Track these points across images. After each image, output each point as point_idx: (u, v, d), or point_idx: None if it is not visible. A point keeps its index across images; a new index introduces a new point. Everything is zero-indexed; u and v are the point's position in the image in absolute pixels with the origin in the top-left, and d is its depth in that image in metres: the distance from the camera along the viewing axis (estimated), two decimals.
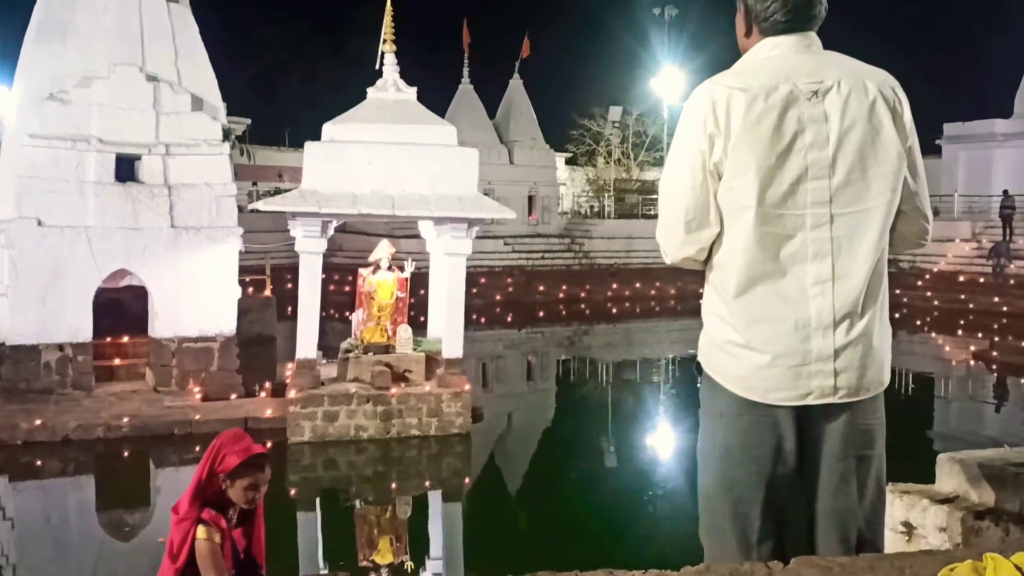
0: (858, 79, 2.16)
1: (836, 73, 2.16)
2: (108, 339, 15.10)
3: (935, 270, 29.17)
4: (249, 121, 34.97)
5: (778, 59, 2.21)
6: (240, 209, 16.17)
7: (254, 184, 33.60)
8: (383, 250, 14.52)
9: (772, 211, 2.13)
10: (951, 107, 40.07)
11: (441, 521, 11.63)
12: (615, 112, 42.60)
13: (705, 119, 2.14)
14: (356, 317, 14.56)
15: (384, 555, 9.83)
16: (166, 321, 14.84)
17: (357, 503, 11.83)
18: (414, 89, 14.57)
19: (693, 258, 2.29)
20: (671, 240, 2.29)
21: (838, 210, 2.13)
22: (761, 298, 2.17)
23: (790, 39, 2.23)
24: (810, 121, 2.12)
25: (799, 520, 2.27)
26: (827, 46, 2.30)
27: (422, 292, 16.06)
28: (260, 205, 13.90)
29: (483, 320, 25.52)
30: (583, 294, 30.80)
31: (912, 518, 3.34)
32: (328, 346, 15.03)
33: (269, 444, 12.75)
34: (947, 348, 24.26)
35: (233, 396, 14.29)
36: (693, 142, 2.18)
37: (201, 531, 3.56)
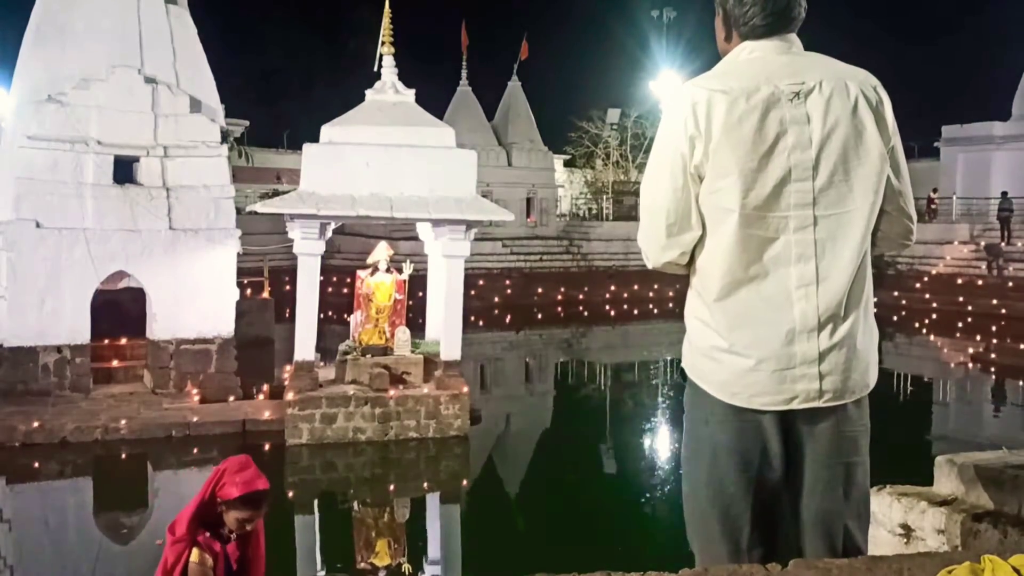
0: (840, 80, 2.15)
1: (818, 74, 2.14)
2: (106, 341, 15.09)
3: (933, 272, 29.17)
4: (248, 123, 34.99)
5: (759, 61, 2.19)
6: (238, 211, 16.17)
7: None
8: (381, 252, 14.51)
9: (755, 214, 2.10)
10: (949, 109, 40.15)
11: (439, 523, 11.62)
12: (613, 114, 42.57)
13: (685, 121, 2.12)
14: (354, 319, 14.55)
15: (382, 557, 9.83)
16: (164, 323, 14.83)
17: (355, 505, 11.82)
18: (412, 91, 14.58)
19: (675, 262, 2.27)
20: (652, 244, 2.27)
21: (821, 212, 2.11)
22: (744, 302, 2.15)
23: (770, 42, 2.22)
24: (792, 123, 2.10)
25: (787, 525, 2.26)
26: (822, 49, 2.29)
27: (420, 294, 16.06)
28: (258, 207, 13.91)
29: (481, 322, 25.51)
30: (581, 296, 30.79)
31: (910, 520, 3.33)
32: (326, 348, 15.02)
33: (267, 446, 12.78)
34: (945, 350, 24.26)
35: (231, 398, 14.28)
36: (673, 145, 2.15)
37: (195, 555, 3.62)
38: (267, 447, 12.95)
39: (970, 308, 26.59)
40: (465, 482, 13.01)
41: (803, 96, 2.12)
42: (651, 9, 40.89)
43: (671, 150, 2.17)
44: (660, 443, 15.05)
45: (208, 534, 3.64)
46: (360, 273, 14.69)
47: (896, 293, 27.54)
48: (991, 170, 34.40)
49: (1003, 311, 25.76)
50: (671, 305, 27.75)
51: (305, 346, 13.42)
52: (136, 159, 14.81)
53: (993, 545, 2.86)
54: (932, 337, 25.65)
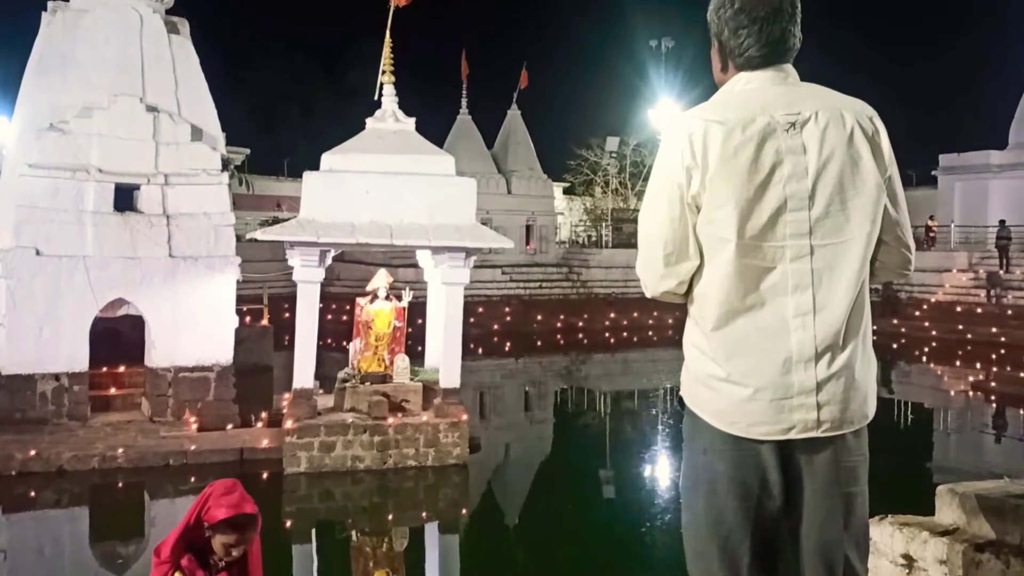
0: (835, 110, 2.16)
1: (813, 104, 2.16)
2: (104, 369, 15.05)
3: (933, 300, 29.18)
4: (248, 151, 35.13)
5: (755, 92, 2.21)
6: (238, 238, 16.19)
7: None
8: (381, 279, 14.52)
9: (752, 243, 2.11)
10: (947, 138, 40.37)
11: (438, 553, 11.54)
12: (612, 142, 42.78)
13: (682, 152, 2.14)
14: (353, 346, 14.53)
15: None
16: (163, 351, 14.81)
17: (353, 535, 11.73)
18: (412, 119, 14.66)
19: (673, 291, 2.28)
20: (650, 274, 2.28)
21: (818, 241, 2.12)
22: (741, 331, 2.15)
23: (766, 73, 2.24)
24: (788, 153, 2.11)
25: (787, 555, 2.25)
26: (820, 78, 2.30)
27: (420, 321, 16.05)
28: (259, 234, 13.93)
29: (481, 350, 25.48)
30: (581, 323, 30.78)
31: (912, 551, 3.31)
32: (325, 376, 14.98)
33: (265, 475, 12.71)
34: (946, 378, 24.20)
35: (229, 426, 14.22)
36: (671, 175, 2.17)
37: None
38: (265, 476, 12.88)
39: (969, 336, 26.56)
40: (464, 511, 12.93)
41: (799, 126, 2.13)
42: (649, 39, 41.19)
43: (668, 180, 2.18)
44: (659, 472, 14.97)
45: (192, 558, 3.58)
46: (359, 300, 14.69)
47: (895, 321, 27.53)
48: (988, 198, 34.53)
49: (1003, 339, 25.73)
50: (670, 332, 27.74)
51: (304, 374, 13.39)
52: (137, 187, 14.86)
53: None
54: (932, 365, 25.60)
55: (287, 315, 19.16)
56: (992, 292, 28.00)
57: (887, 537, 3.42)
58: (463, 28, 52.11)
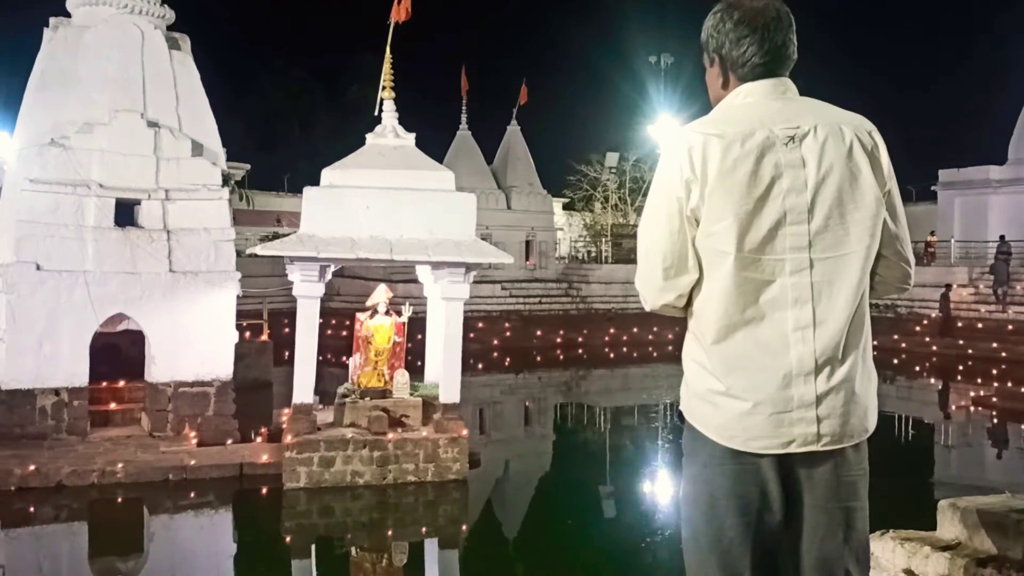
0: (834, 124, 2.18)
1: (812, 119, 2.18)
2: (104, 384, 15.04)
3: (933, 315, 29.17)
4: (249, 166, 35.19)
5: (754, 105, 2.23)
6: (238, 253, 16.21)
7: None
8: (380, 295, 14.53)
9: (751, 256, 2.12)
10: (946, 153, 40.50)
11: (438, 569, 11.50)
12: (612, 158, 42.89)
13: (681, 166, 2.15)
14: (353, 362, 14.52)
15: None
16: (163, 366, 14.79)
17: (353, 550, 11.69)
18: (412, 135, 14.70)
19: (672, 305, 2.29)
20: (650, 287, 2.29)
21: (817, 255, 2.13)
22: (740, 345, 2.16)
23: (766, 85, 2.26)
24: (787, 166, 2.13)
25: (787, 569, 2.25)
26: (821, 95, 2.32)
27: (419, 337, 16.04)
28: (259, 250, 13.95)
29: (480, 365, 25.45)
30: (580, 339, 30.75)
31: (914, 566, 3.30)
32: (325, 391, 14.96)
33: (264, 490, 12.69)
34: (946, 394, 24.17)
35: (229, 441, 14.20)
36: (670, 189, 2.19)
37: None
38: (264, 491, 12.86)
39: (970, 351, 26.55)
40: (464, 527, 12.88)
41: (798, 140, 2.15)
42: (649, 55, 41.35)
43: (668, 194, 2.20)
44: (659, 487, 14.93)
45: None
46: (359, 316, 14.68)
47: (896, 336, 27.51)
48: (988, 214, 34.55)
49: (1004, 355, 25.71)
50: (670, 348, 27.71)
51: (304, 389, 13.37)
52: (137, 202, 14.89)
53: None
54: (933, 380, 25.58)
55: (287, 330, 19.15)
56: (1000, 290, 28.04)
57: (888, 552, 3.41)
58: (463, 44, 52.33)
